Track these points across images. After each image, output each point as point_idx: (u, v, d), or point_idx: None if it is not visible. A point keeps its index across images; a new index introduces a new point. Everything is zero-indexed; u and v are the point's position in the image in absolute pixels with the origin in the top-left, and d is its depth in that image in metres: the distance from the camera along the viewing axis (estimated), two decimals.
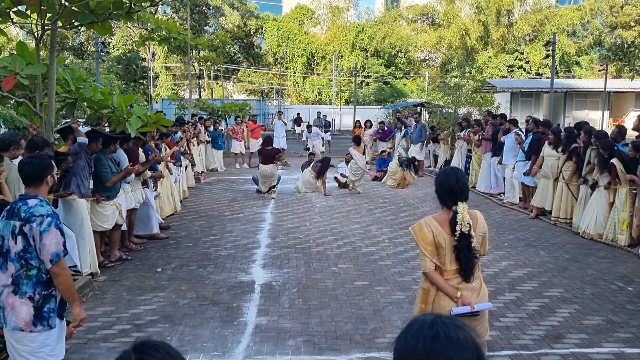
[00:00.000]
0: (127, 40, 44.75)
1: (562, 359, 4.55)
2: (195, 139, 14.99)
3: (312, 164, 13.39)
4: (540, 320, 5.34)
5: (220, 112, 23.00)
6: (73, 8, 5.60)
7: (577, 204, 9.03)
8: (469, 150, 13.85)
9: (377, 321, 5.31)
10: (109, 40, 41.47)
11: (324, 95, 49.49)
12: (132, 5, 5.65)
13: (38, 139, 5.61)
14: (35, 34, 5.88)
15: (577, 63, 47.53)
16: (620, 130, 8.76)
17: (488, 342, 3.72)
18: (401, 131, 17.62)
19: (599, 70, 40.85)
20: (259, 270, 6.95)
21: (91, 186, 6.80)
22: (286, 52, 49.93)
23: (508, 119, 12.11)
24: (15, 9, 5.63)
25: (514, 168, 11.06)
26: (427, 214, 10.21)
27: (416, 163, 15.18)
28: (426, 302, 3.45)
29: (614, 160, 7.91)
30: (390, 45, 47.61)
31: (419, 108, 24.79)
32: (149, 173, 8.29)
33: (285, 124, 19.97)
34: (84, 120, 6.88)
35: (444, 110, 17.55)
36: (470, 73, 21.27)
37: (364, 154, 12.88)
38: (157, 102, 41.27)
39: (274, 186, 12.15)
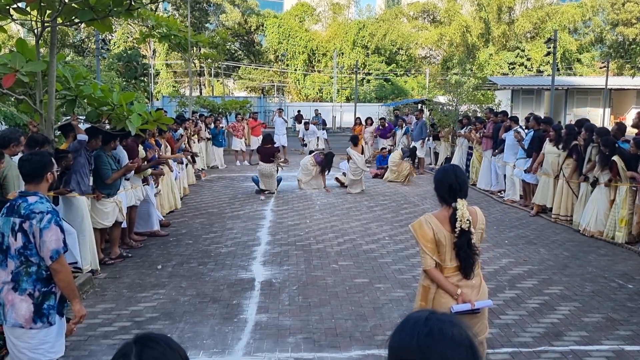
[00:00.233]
0: (128, 38, 44.72)
1: (561, 356, 4.55)
2: (196, 136, 14.99)
3: (314, 153, 13.37)
4: (540, 317, 5.34)
5: (220, 110, 22.98)
6: (73, 5, 5.59)
7: (578, 202, 9.03)
8: (470, 148, 13.83)
9: (377, 318, 5.31)
10: (110, 37, 41.44)
11: (325, 93, 49.44)
12: (132, 3, 5.64)
13: (38, 136, 5.60)
14: (35, 31, 5.87)
15: (579, 60, 47.44)
16: (620, 128, 8.74)
17: (488, 340, 3.71)
18: (402, 128, 17.62)
19: (600, 68, 40.73)
20: (259, 268, 6.96)
21: (91, 183, 6.80)
22: (287, 49, 49.87)
23: (509, 116, 12.10)
24: (15, 6, 5.62)
25: (514, 165, 11.04)
26: (428, 211, 10.21)
27: (417, 154, 15.23)
28: (426, 300, 3.45)
29: (615, 158, 7.90)
30: (391, 43, 47.56)
31: (419, 105, 24.74)
32: (149, 170, 8.29)
33: (286, 122, 19.95)
34: (84, 117, 6.87)
35: (445, 108, 17.52)
36: (471, 70, 21.25)
37: (362, 153, 12.73)
38: (157, 100, 41.26)
39: (272, 192, 12.02)
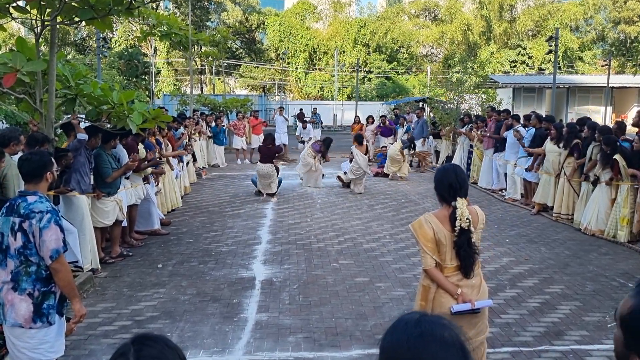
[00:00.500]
0: (129, 36, 44.71)
1: (562, 355, 4.54)
2: (197, 134, 14.98)
3: (312, 142, 13.35)
4: (540, 316, 5.33)
5: (222, 108, 22.98)
6: (73, 3, 5.58)
7: (579, 200, 9.01)
8: (471, 146, 13.81)
9: (378, 317, 5.31)
10: (111, 35, 41.44)
11: (326, 91, 49.41)
12: (133, 1, 5.63)
13: (38, 135, 5.60)
14: (35, 29, 5.87)
15: (580, 58, 47.34)
16: (620, 126, 8.72)
17: (488, 339, 3.71)
18: (403, 126, 17.61)
19: (602, 66, 40.69)
20: (260, 267, 6.95)
21: (92, 182, 6.79)
22: (288, 47, 49.82)
23: (511, 114, 12.07)
24: (14, 4, 5.61)
25: (515, 164, 11.02)
26: (429, 210, 10.18)
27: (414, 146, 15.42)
28: (426, 300, 3.44)
29: (617, 156, 7.88)
30: (393, 41, 47.47)
31: (421, 104, 24.71)
32: (149, 169, 8.29)
33: (287, 120, 19.95)
34: (84, 116, 6.86)
35: (446, 106, 17.50)
36: (473, 68, 21.21)
37: (366, 153, 12.45)
38: (158, 98, 41.25)
39: (273, 193, 11.56)
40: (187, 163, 12.48)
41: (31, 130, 6.22)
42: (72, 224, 5.97)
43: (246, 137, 18.95)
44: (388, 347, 1.33)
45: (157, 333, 1.47)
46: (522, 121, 11.27)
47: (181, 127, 12.13)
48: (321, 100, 46.79)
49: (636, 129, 8.43)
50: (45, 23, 5.76)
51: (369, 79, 48.46)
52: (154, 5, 31.26)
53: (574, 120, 11.53)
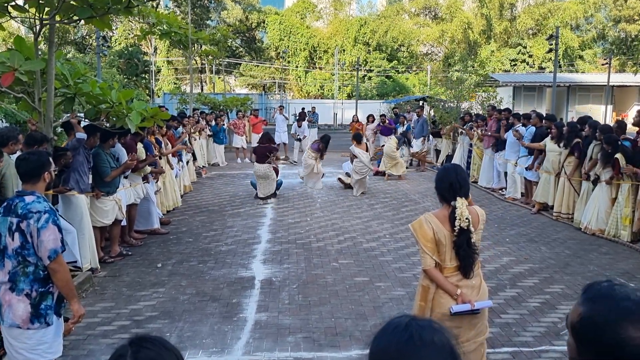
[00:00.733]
0: (129, 35, 44.68)
1: (562, 356, 4.52)
2: (197, 133, 14.96)
3: (311, 143, 13.30)
4: (541, 316, 5.32)
5: (222, 107, 22.96)
6: (72, 2, 5.56)
7: (579, 199, 8.99)
8: (471, 145, 13.79)
9: (377, 317, 5.29)
10: (111, 34, 41.40)
11: (326, 90, 49.39)
12: (131, 0, 5.61)
13: (37, 135, 5.58)
14: (34, 28, 5.84)
15: (581, 57, 47.30)
16: (620, 126, 8.70)
17: (488, 339, 3.69)
18: (403, 125, 17.58)
19: (603, 65, 40.63)
20: (259, 266, 6.94)
21: (90, 181, 6.78)
22: (288, 46, 49.79)
23: (512, 113, 12.05)
24: (13, 3, 5.59)
25: (516, 163, 11.00)
26: (429, 209, 10.17)
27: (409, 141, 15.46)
28: (426, 300, 3.42)
29: (618, 155, 7.86)
30: (393, 39, 47.45)
31: (421, 102, 24.70)
32: (149, 168, 8.27)
33: (287, 119, 19.93)
34: (83, 115, 6.84)
35: (446, 105, 17.49)
36: (473, 67, 21.17)
37: (367, 150, 12.20)
38: (158, 97, 41.25)
39: (273, 195, 11.25)
40: (187, 162, 12.46)
41: (30, 129, 6.21)
42: (70, 223, 5.95)
43: (246, 136, 18.93)
44: (377, 351, 1.32)
45: (155, 334, 1.47)
46: (521, 120, 11.24)
47: (180, 127, 12.10)
48: (321, 99, 46.76)
49: (636, 128, 8.41)
50: (44, 22, 5.74)
51: (369, 78, 48.45)
52: (154, 3, 31.23)
53: (574, 119, 11.51)
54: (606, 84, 34.43)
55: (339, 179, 12.97)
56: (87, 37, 46.85)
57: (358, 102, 36.33)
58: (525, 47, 46.36)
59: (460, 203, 3.27)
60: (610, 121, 31.76)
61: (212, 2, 50.42)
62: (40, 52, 6.06)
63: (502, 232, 8.66)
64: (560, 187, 9.42)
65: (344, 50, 48.74)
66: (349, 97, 46.92)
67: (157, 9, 28.24)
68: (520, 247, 7.84)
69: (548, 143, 9.66)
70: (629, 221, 7.87)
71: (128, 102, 6.30)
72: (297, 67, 50.26)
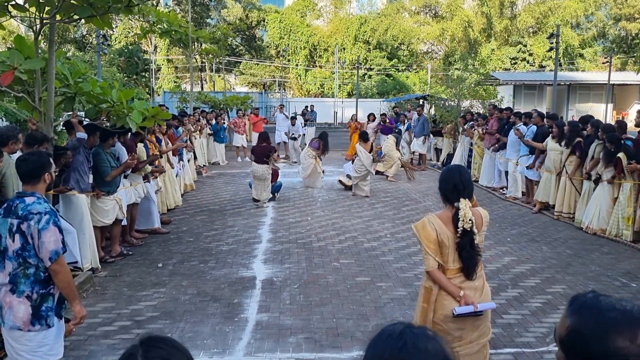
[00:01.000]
0: (129, 33, 44.62)
1: None
2: (198, 132, 14.93)
3: (310, 142, 13.23)
4: (543, 317, 5.30)
5: (222, 106, 22.92)
6: (72, 1, 5.54)
7: (581, 199, 8.97)
8: (472, 144, 13.76)
9: (379, 318, 5.28)
10: (111, 33, 41.31)
11: (326, 88, 49.33)
12: None
13: (37, 134, 5.56)
14: (34, 27, 5.82)
15: (581, 55, 47.25)
16: (621, 125, 8.68)
17: (490, 340, 3.68)
18: (404, 124, 17.56)
19: (603, 63, 40.59)
20: (260, 266, 6.92)
21: (91, 181, 6.76)
22: (288, 44, 49.72)
23: (513, 112, 12.02)
24: (13, 2, 5.56)
25: (517, 162, 10.98)
26: (430, 208, 10.17)
27: (418, 150, 15.36)
28: (428, 301, 3.40)
29: (620, 155, 7.83)
30: (393, 38, 47.37)
31: (421, 101, 24.67)
32: (149, 168, 8.25)
33: (287, 117, 19.87)
34: (84, 114, 6.82)
35: (447, 104, 17.45)
36: (474, 66, 21.08)
37: (371, 150, 11.80)
38: (159, 95, 41.19)
39: (272, 199, 10.84)
40: (189, 160, 12.43)
41: (30, 128, 6.18)
42: (71, 223, 5.93)
43: (246, 135, 18.90)
44: (371, 359, 1.32)
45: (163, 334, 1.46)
46: (523, 119, 11.21)
47: (180, 127, 12.05)
48: (321, 97, 46.71)
49: (638, 129, 8.39)
50: (45, 21, 5.71)
51: (370, 76, 48.37)
52: (154, 2, 31.20)
53: (575, 118, 11.49)
54: (607, 82, 34.39)
55: (340, 181, 12.74)
56: (87, 35, 46.77)
57: (358, 100, 36.27)
58: (525, 46, 46.29)
59: (464, 204, 3.25)
60: (611, 120, 31.74)
61: (212, 0, 50.34)
62: (40, 51, 6.03)
63: (503, 232, 8.65)
64: (562, 187, 9.40)
65: (344, 49, 48.67)
66: (349, 95, 46.85)
67: (157, 8, 28.22)
68: (521, 246, 7.82)
69: (549, 142, 9.64)
70: (630, 221, 7.85)
71: (129, 101, 6.28)
72: (297, 65, 50.18)
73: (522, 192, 11.25)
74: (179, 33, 15.59)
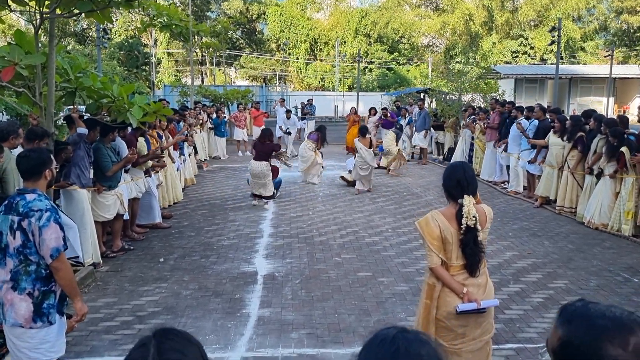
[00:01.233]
0: (129, 27, 44.49)
1: None
2: (199, 126, 14.90)
3: (308, 135, 13.18)
4: (545, 312, 5.30)
5: (222, 99, 22.87)
6: None
7: (582, 193, 8.95)
8: (473, 138, 13.73)
9: (381, 313, 5.28)
10: (111, 26, 41.21)
11: (327, 82, 49.23)
12: None
13: (38, 129, 5.54)
14: (34, 22, 5.79)
15: (582, 49, 47.10)
16: (622, 120, 8.65)
17: (492, 336, 3.68)
18: (405, 117, 17.51)
19: (605, 56, 40.48)
20: (262, 261, 6.92)
21: (92, 176, 6.74)
22: (289, 37, 49.58)
23: (515, 106, 11.98)
24: None
25: (518, 157, 10.96)
26: (431, 202, 10.15)
27: (419, 144, 15.31)
28: (431, 298, 3.39)
29: (623, 149, 7.81)
30: (394, 31, 47.22)
31: (422, 95, 24.59)
32: (150, 162, 8.23)
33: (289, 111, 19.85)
34: (84, 109, 6.79)
35: (448, 97, 17.39)
36: (475, 59, 20.94)
37: (370, 146, 11.48)
38: (159, 89, 41.14)
39: (271, 197, 10.23)
40: (189, 155, 12.41)
41: (31, 123, 6.16)
42: (72, 218, 5.93)
43: (247, 129, 18.86)
44: None
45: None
46: (525, 113, 11.17)
47: (181, 122, 12.01)
48: (322, 91, 46.62)
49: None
50: (45, 16, 5.68)
51: (370, 70, 48.26)
52: None
53: (576, 112, 11.45)
54: (608, 76, 34.29)
55: (342, 177, 12.55)
56: (88, 29, 46.63)
57: (359, 94, 36.19)
58: (526, 39, 46.15)
59: (468, 201, 3.24)
60: (613, 113, 31.66)
61: None
62: (40, 46, 6.00)
63: (505, 226, 8.63)
64: (563, 181, 9.38)
65: (344, 42, 48.52)
66: (350, 89, 46.75)
67: (158, 1, 28.09)
68: (523, 241, 7.81)
69: (551, 137, 9.61)
70: (631, 215, 7.84)
71: (129, 96, 6.25)
72: (297, 59, 50.06)
73: (524, 186, 11.24)
74: (179, 27, 15.57)
